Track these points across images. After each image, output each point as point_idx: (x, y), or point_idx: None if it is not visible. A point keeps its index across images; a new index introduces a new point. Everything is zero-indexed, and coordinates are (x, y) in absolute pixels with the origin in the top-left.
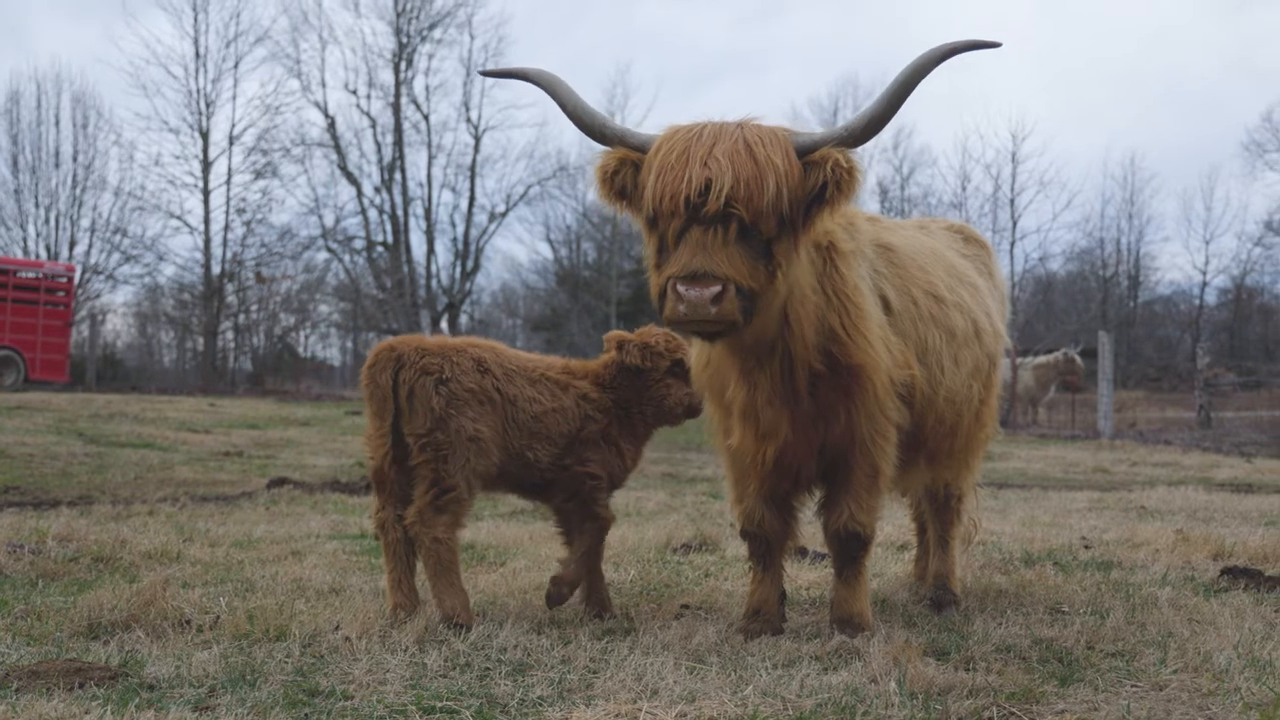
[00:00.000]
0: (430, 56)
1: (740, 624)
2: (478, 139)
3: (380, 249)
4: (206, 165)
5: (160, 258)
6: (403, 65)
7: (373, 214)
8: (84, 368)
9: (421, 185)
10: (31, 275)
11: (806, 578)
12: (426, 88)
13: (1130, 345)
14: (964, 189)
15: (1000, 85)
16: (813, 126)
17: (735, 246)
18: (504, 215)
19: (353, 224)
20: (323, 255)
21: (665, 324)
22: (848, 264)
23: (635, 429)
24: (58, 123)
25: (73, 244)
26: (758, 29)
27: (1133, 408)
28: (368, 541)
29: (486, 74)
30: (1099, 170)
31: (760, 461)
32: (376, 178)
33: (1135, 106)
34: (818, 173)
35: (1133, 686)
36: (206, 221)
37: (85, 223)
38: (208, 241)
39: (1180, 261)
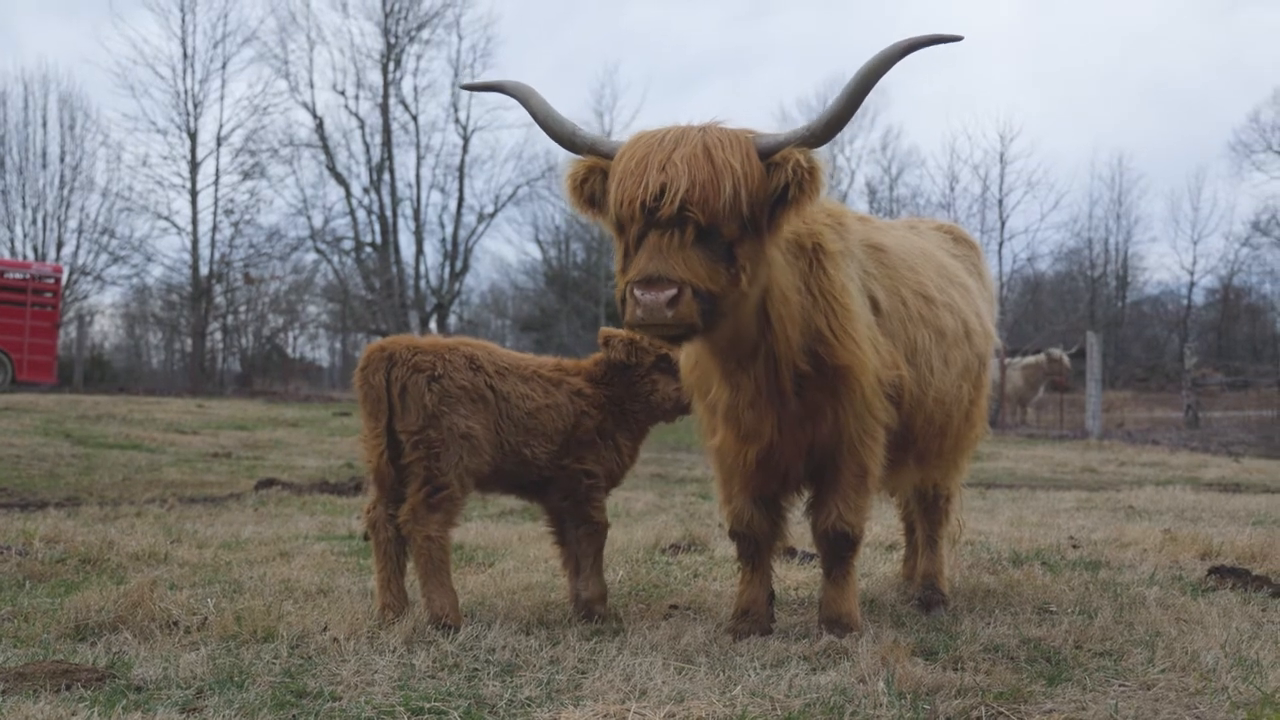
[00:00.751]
0: (418, 57)
1: (729, 624)
2: (466, 140)
3: (369, 250)
4: (194, 166)
5: (148, 259)
6: (391, 66)
7: (361, 215)
8: (71, 369)
9: (410, 186)
10: (19, 276)
11: (795, 578)
12: (415, 88)
13: (1118, 345)
14: (952, 189)
15: (988, 86)
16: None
17: (693, 249)
18: (493, 216)
19: (341, 225)
20: (311, 256)
21: (626, 328)
22: (835, 264)
23: (630, 426)
24: (45, 123)
25: (60, 245)
26: (746, 29)
27: (1121, 408)
28: (356, 542)
29: (466, 88)
30: (1087, 171)
31: (743, 463)
32: (365, 178)
33: (1123, 107)
34: (780, 174)
35: (1120, 686)
36: (194, 222)
37: (73, 224)
38: (195, 242)
39: (1168, 262)
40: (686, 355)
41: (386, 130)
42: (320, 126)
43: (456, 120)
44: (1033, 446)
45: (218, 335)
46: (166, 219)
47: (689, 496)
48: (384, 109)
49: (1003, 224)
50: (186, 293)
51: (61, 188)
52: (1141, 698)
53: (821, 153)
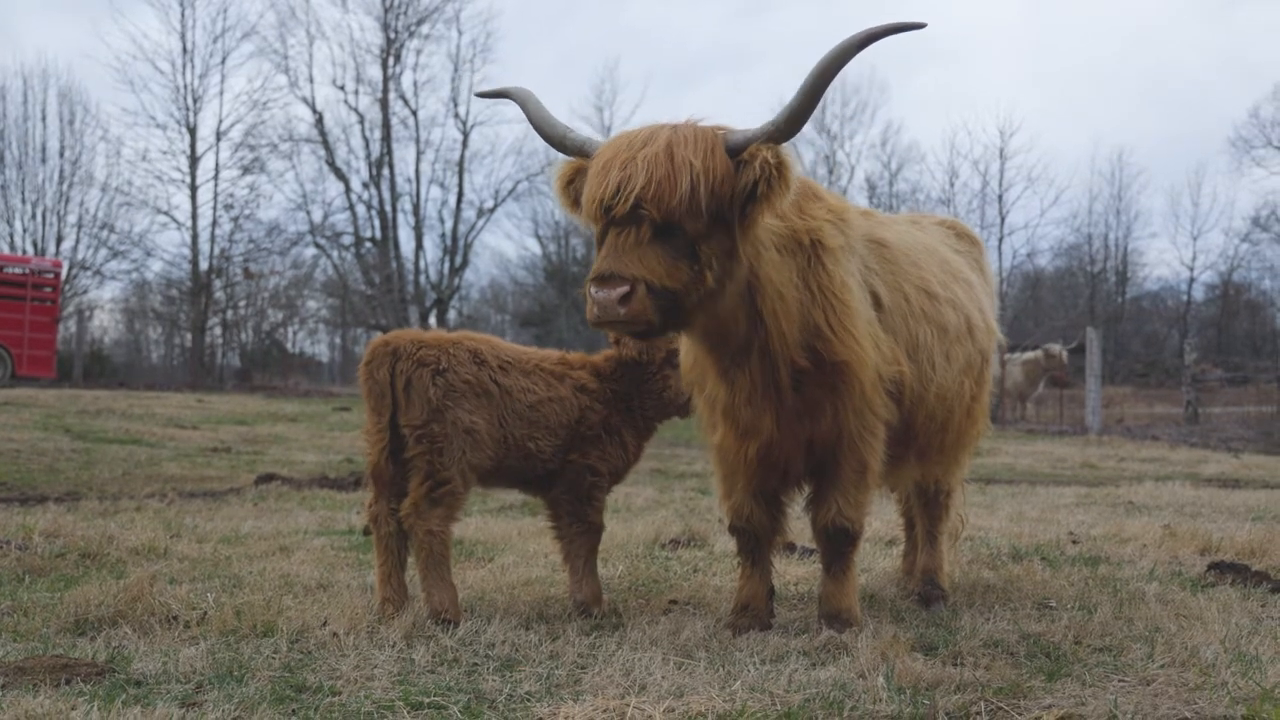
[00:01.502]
0: (418, 52)
1: (728, 619)
2: (466, 134)
3: (368, 245)
4: (194, 161)
5: (148, 253)
6: (390, 61)
7: (361, 210)
8: (71, 364)
9: (410, 181)
10: (18, 271)
11: (795, 573)
12: (414, 83)
13: (1118, 341)
14: (952, 185)
15: (988, 81)
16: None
17: (651, 246)
18: (492, 211)
19: (341, 220)
20: (311, 251)
21: (591, 326)
22: (834, 259)
23: (637, 422)
24: (44, 118)
25: (59, 240)
26: (746, 25)
27: (1120, 403)
28: (355, 537)
29: (481, 95)
30: (1087, 166)
31: (744, 459)
32: (364, 173)
33: (1123, 103)
34: (749, 171)
35: (1120, 681)
36: (194, 217)
37: (72, 218)
38: (195, 237)
39: (1168, 258)
40: (685, 353)
41: (386, 125)
42: (320, 121)
43: (456, 115)
44: (1032, 442)
45: (217, 330)
46: (166, 214)
47: (688, 492)
48: (383, 104)
49: (1002, 219)
50: (186, 288)
51: (61, 183)
52: (1141, 693)
53: (795, 147)
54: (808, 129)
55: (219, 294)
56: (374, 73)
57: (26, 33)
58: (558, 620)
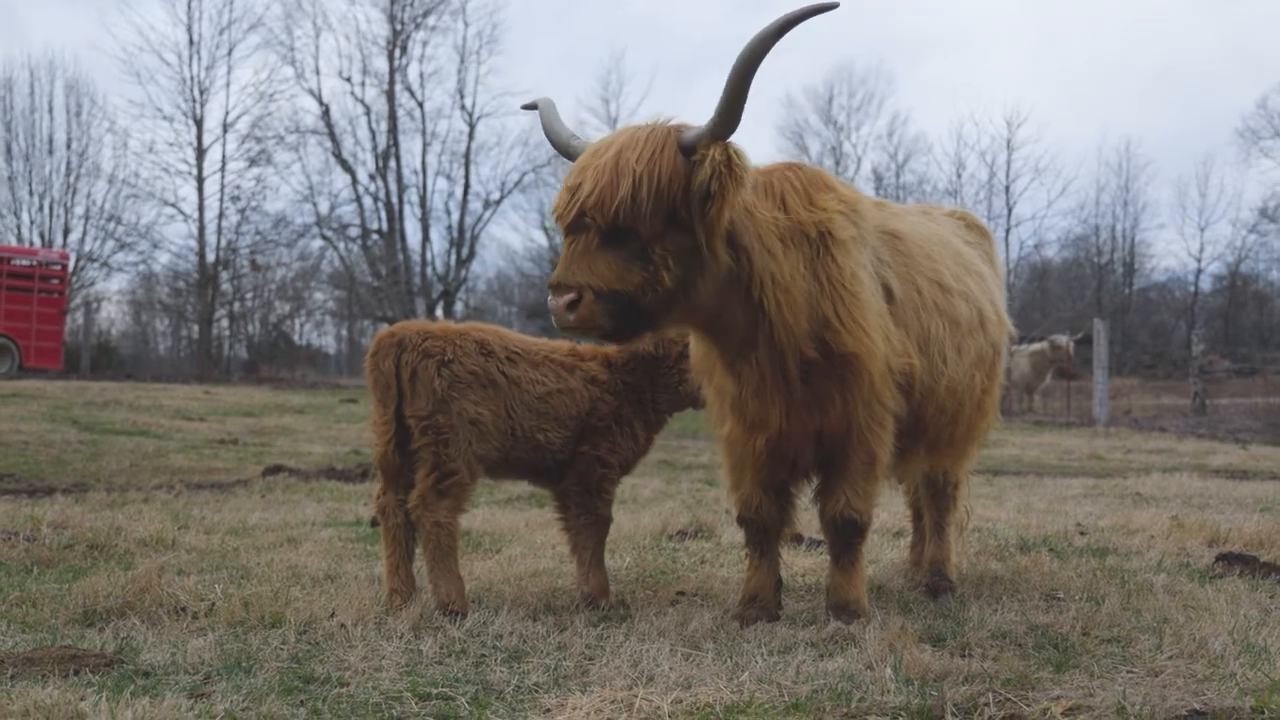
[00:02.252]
0: (424, 43)
1: (736, 610)
2: (472, 126)
3: (375, 236)
4: (201, 152)
5: (155, 245)
6: (397, 52)
7: (367, 201)
8: (79, 355)
9: (416, 173)
10: (26, 263)
11: (803, 564)
12: (421, 75)
13: (1125, 332)
14: (959, 176)
15: (995, 72)
16: (807, 114)
17: (598, 253)
18: (499, 202)
19: (347, 211)
20: (317, 243)
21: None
22: (844, 251)
23: (648, 414)
24: (51, 110)
25: (67, 231)
26: (753, 16)
27: (1128, 395)
28: (363, 529)
29: (523, 108)
30: (1094, 157)
31: (752, 450)
32: (371, 165)
33: (1130, 93)
34: (701, 170)
35: (1128, 672)
36: (201, 209)
37: (79, 210)
38: (202, 229)
39: (1175, 249)
40: (695, 344)
41: (392, 117)
42: (326, 113)
43: (462, 107)
44: (1040, 433)
45: (224, 322)
46: (173, 206)
47: (696, 483)
48: (390, 95)
49: (1010, 210)
50: (193, 279)
51: (68, 174)
52: (1149, 684)
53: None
54: (814, 120)
55: (226, 286)
56: (380, 64)
57: (34, 25)
58: (565, 611)
